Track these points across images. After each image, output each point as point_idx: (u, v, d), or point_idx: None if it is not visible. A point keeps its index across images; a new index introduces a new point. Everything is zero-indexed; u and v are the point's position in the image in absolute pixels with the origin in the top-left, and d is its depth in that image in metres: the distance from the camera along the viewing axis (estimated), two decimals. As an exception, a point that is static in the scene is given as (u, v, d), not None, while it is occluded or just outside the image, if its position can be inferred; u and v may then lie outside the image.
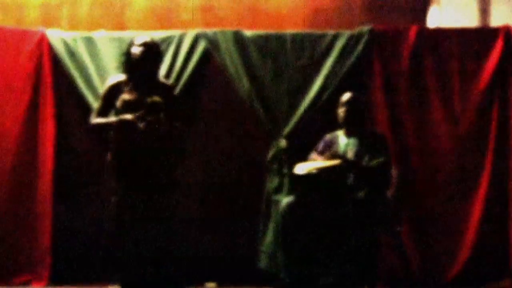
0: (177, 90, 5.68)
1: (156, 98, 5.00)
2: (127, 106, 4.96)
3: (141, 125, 4.91)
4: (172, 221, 5.05)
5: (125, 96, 4.99)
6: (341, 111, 5.14)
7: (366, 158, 5.02)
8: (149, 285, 4.84)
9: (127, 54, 5.05)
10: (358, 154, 5.03)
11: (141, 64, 5.01)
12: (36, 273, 5.62)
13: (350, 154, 5.04)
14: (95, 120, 5.06)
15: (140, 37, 5.11)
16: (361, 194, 4.86)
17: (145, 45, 5.02)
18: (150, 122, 4.91)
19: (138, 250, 4.93)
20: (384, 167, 4.98)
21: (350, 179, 4.99)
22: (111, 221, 5.01)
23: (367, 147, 5.04)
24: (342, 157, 4.97)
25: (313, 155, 5.15)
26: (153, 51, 5.04)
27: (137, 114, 4.91)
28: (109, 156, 5.05)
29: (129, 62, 5.04)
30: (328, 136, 5.22)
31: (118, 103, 4.99)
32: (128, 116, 4.92)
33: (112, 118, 5.02)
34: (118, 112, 5.00)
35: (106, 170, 5.07)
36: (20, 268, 5.64)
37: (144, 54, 4.99)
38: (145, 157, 4.94)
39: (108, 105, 5.05)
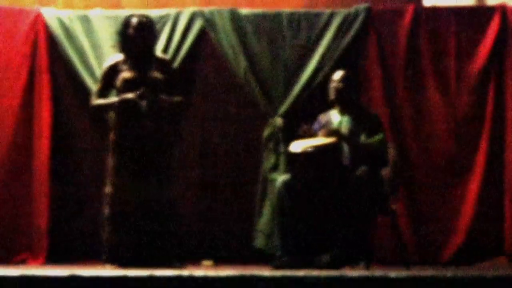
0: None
1: (156, 74, 5.03)
2: (128, 84, 5.00)
3: (143, 103, 4.93)
4: (172, 199, 5.07)
5: (125, 74, 5.02)
6: (332, 88, 5.15)
7: (362, 137, 5.02)
8: (147, 262, 4.86)
9: (123, 34, 5.07)
10: (352, 132, 5.04)
11: (138, 43, 5.04)
12: (34, 252, 5.63)
13: (344, 131, 5.04)
14: (96, 101, 5.11)
15: (134, 16, 5.13)
16: (357, 172, 4.86)
17: (140, 23, 5.05)
18: (151, 100, 4.94)
19: (136, 228, 4.95)
20: (381, 144, 5.00)
21: (346, 157, 4.99)
22: (109, 202, 5.03)
23: (361, 126, 5.04)
24: (337, 132, 4.97)
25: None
26: (148, 28, 5.07)
27: (138, 93, 4.94)
28: (111, 136, 5.08)
29: (125, 42, 5.07)
30: (321, 116, 5.23)
31: (118, 82, 5.03)
32: (130, 95, 4.95)
33: (113, 98, 5.06)
34: (119, 91, 5.03)
35: (109, 149, 5.09)
36: (17, 247, 5.65)
37: (140, 32, 5.03)
38: (147, 136, 4.97)
39: (108, 86, 5.10)
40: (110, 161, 5.07)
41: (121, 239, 4.96)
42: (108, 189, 5.05)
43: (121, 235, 4.96)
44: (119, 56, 5.12)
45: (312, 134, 5.01)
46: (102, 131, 5.60)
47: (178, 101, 5.10)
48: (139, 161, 4.98)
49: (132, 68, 5.05)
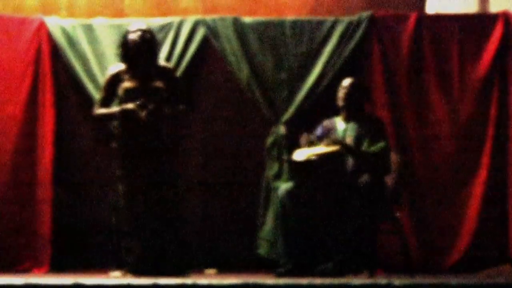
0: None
1: (157, 84, 5.04)
2: (129, 94, 5.01)
3: (143, 113, 4.94)
4: (176, 209, 5.08)
5: (126, 84, 5.03)
6: (341, 95, 5.14)
7: (365, 143, 5.02)
8: (152, 271, 4.86)
9: (124, 44, 5.08)
10: (357, 139, 5.03)
11: (140, 50, 5.04)
12: (37, 260, 5.63)
13: (348, 140, 5.04)
14: (99, 111, 5.13)
15: (133, 25, 5.14)
16: (360, 180, 4.86)
17: (141, 31, 5.06)
18: (151, 109, 4.94)
19: (144, 235, 4.95)
20: (384, 152, 4.99)
21: (349, 165, 4.99)
22: (117, 211, 5.04)
23: (365, 132, 5.04)
24: (341, 142, 4.97)
25: (303, 139, 5.13)
26: (149, 36, 5.08)
27: (138, 103, 4.94)
28: (114, 144, 5.09)
29: (127, 51, 5.07)
30: (326, 122, 5.22)
31: (120, 92, 5.04)
32: (130, 106, 4.96)
33: (114, 108, 5.07)
34: (121, 101, 5.04)
35: (112, 157, 5.10)
36: (20, 255, 5.65)
37: (141, 39, 5.03)
38: (148, 144, 4.98)
39: (110, 95, 5.11)
40: (116, 170, 5.08)
41: (130, 247, 4.96)
42: (113, 197, 5.06)
43: (129, 243, 4.96)
44: (121, 66, 5.13)
45: (312, 143, 5.00)
46: (105, 137, 5.62)
47: (181, 109, 5.11)
48: (142, 169, 4.98)
49: (133, 77, 5.06)
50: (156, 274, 4.74)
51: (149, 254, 4.94)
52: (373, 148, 5.00)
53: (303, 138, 5.05)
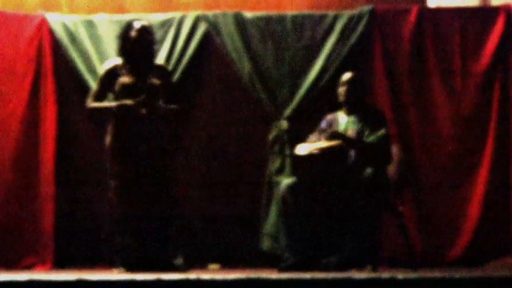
0: (178, 73, 5.71)
1: (154, 81, 5.02)
2: (126, 90, 4.98)
3: (143, 110, 4.92)
4: (173, 203, 5.07)
5: (123, 79, 5.00)
6: (341, 90, 5.14)
7: (366, 134, 5.02)
8: (151, 265, 4.86)
9: (124, 38, 5.06)
10: (359, 132, 5.03)
11: (140, 46, 5.02)
12: (40, 257, 5.64)
13: (351, 132, 5.03)
14: (93, 104, 5.07)
15: (137, 21, 5.12)
16: (363, 173, 4.86)
17: (143, 27, 5.04)
18: (150, 106, 4.93)
19: (141, 232, 4.95)
20: (383, 140, 4.98)
21: (351, 158, 4.99)
22: (111, 207, 5.03)
23: (367, 124, 5.03)
24: (342, 135, 4.97)
25: (314, 136, 5.14)
26: (150, 33, 5.06)
27: (138, 99, 4.92)
28: (107, 140, 5.05)
29: (126, 46, 5.05)
30: (329, 116, 5.22)
31: (117, 87, 5.01)
32: (129, 101, 4.93)
33: (111, 103, 5.03)
34: (118, 96, 5.00)
35: (106, 153, 5.08)
36: (24, 252, 5.66)
37: (142, 35, 5.02)
38: (144, 141, 4.96)
39: (105, 89, 5.07)
40: (109, 166, 5.05)
41: (126, 243, 4.95)
42: (110, 193, 5.04)
43: (125, 239, 4.96)
44: (118, 60, 5.10)
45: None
46: (103, 132, 5.62)
47: (176, 109, 5.08)
48: (137, 166, 4.96)
49: (130, 73, 5.03)
50: (149, 271, 4.72)
51: (146, 249, 4.93)
52: (372, 137, 4.99)
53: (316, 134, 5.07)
